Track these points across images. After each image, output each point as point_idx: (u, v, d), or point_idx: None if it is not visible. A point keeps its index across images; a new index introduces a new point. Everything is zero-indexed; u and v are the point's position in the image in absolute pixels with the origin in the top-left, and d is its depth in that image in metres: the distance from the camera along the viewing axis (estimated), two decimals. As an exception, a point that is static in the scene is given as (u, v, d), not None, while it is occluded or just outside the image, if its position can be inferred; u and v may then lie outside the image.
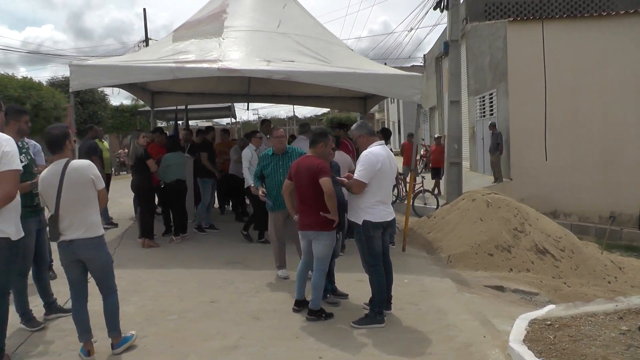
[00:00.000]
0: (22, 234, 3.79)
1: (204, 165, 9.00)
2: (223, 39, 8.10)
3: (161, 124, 21.05)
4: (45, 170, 3.93)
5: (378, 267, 4.77)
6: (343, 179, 4.86)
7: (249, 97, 11.39)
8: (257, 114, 67.76)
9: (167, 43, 8.36)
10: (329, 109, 38.74)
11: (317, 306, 4.85)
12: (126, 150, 24.39)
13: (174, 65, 7.30)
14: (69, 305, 5.02)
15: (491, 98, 16.22)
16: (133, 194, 8.40)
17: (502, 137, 14.18)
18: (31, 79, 21.05)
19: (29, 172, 4.47)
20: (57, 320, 4.81)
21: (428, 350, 4.22)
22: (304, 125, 9.09)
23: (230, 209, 11.18)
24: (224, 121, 33.13)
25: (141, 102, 33.95)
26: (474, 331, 4.66)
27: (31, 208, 4.57)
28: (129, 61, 7.78)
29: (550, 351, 4.14)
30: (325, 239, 4.79)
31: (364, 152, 4.76)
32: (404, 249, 7.82)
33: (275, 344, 4.28)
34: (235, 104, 17.74)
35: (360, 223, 4.71)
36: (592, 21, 14.16)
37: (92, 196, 3.92)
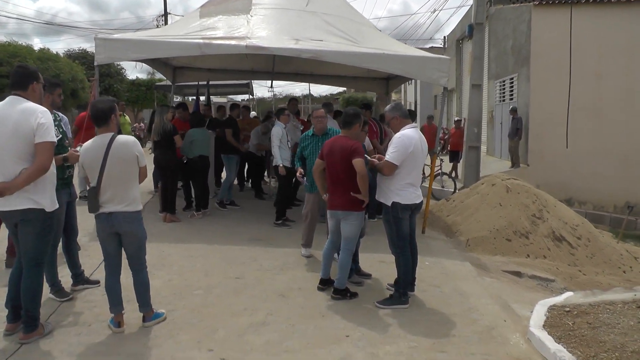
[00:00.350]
0: (57, 206, 3.92)
1: (229, 141, 9.07)
2: (251, 16, 8.11)
3: (176, 98, 21.14)
4: (89, 142, 4.01)
5: (405, 248, 4.87)
6: (374, 160, 4.92)
7: (273, 74, 11.40)
8: (273, 91, 67.69)
9: (195, 19, 8.37)
10: (344, 89, 38.47)
11: (343, 285, 4.95)
12: (142, 125, 24.55)
13: (201, 41, 7.33)
14: (94, 277, 5.22)
15: (512, 82, 16.11)
16: (153, 168, 8.52)
17: (522, 122, 14.13)
18: (49, 50, 21.18)
19: (61, 145, 4.57)
20: (84, 291, 4.96)
21: (452, 332, 4.33)
22: (328, 104, 9.10)
23: (250, 186, 11.32)
24: (239, 97, 33.20)
25: (158, 76, 34.18)
26: (495, 315, 4.76)
27: (63, 180, 4.68)
28: (156, 36, 7.81)
29: (569, 337, 4.24)
30: (355, 219, 4.87)
31: (397, 135, 4.81)
32: (423, 231, 7.91)
33: (303, 322, 4.40)
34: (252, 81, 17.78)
35: (390, 204, 4.79)
36: (619, 7, 13.92)
37: (135, 172, 4.02)
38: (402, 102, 40.45)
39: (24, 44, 20.25)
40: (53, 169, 3.88)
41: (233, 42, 7.38)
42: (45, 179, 3.78)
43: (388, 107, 5.18)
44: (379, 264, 6.00)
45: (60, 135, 4.62)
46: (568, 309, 4.88)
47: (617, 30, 13.71)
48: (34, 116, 3.63)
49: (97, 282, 5.08)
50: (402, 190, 4.78)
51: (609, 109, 13.71)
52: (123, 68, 30.65)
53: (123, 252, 4.19)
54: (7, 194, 3.64)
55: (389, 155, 4.72)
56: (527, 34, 14.39)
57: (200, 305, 4.70)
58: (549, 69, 13.66)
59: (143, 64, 10.41)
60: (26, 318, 3.85)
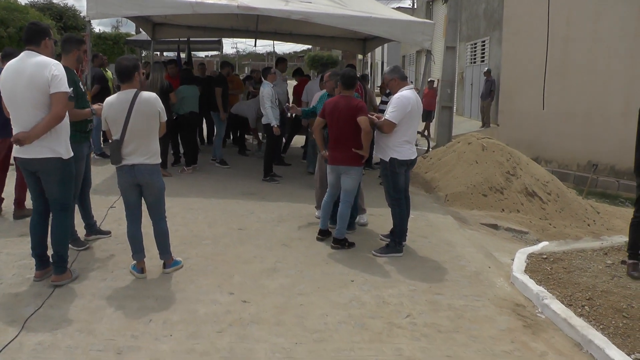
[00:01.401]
0: (72, 154, 4.11)
1: (217, 101, 9.14)
2: (242, -24, 8.12)
3: (143, 53, 20.77)
4: (113, 97, 4.17)
5: (401, 200, 5.22)
6: (374, 118, 5.21)
7: (257, 33, 11.41)
8: (236, 48, 66.64)
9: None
10: (309, 47, 38.39)
11: (342, 235, 5.28)
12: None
13: (194, 0, 7.38)
14: (105, 227, 5.43)
15: (483, 45, 16.49)
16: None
17: (495, 84, 14.58)
18: (16, 1, 20.44)
19: (84, 99, 4.72)
20: (98, 241, 5.16)
21: (445, 277, 4.75)
22: (325, 65, 9.36)
23: (232, 142, 11.52)
24: (202, 54, 32.65)
25: (123, 31, 33.18)
26: (480, 262, 5.21)
27: (85, 134, 4.84)
28: (148, -7, 7.79)
29: (548, 280, 4.73)
30: (355, 173, 5.19)
31: (396, 95, 5.08)
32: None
33: (309, 268, 4.75)
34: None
35: (388, 160, 5.12)
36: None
37: (156, 126, 4.22)
38: (369, 62, 40.53)
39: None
40: (67, 119, 4.05)
41: (224, 1, 7.45)
42: (60, 128, 3.96)
43: (387, 69, 5.44)
44: (369, 217, 6.36)
45: (84, 90, 4.78)
46: (545, 256, 5.37)
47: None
48: (47, 68, 3.79)
49: (108, 233, 5.29)
50: (400, 147, 5.10)
51: (574, 71, 14.26)
52: (88, 20, 29.78)
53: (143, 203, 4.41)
54: (27, 143, 3.83)
55: (389, 114, 5.00)
56: (500, -2, 14.72)
57: (212, 254, 4.99)
58: (521, 33, 14.07)
59: (121, 18, 10.34)
60: (57, 259, 4.10)
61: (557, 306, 4.15)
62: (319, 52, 44.46)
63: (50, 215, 4.15)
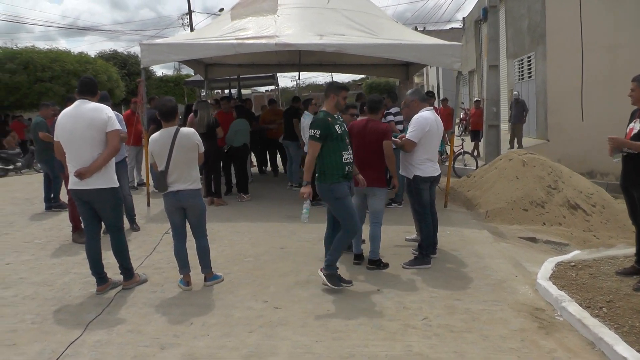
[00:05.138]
0: (118, 184, 4.89)
1: (295, 130, 9.96)
2: (278, 15, 8.86)
3: (202, 92, 22.07)
4: (157, 134, 4.85)
5: (426, 215, 5.58)
6: (397, 140, 5.64)
7: (300, 66, 12.12)
8: (296, 80, 68.75)
9: (226, 21, 9.15)
10: (366, 75, 39.20)
11: (377, 256, 5.56)
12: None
13: (235, 42, 8.12)
14: (159, 249, 6.12)
15: (529, 61, 16.54)
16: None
17: (526, 105, 14.58)
18: (87, 54, 22.39)
19: None
20: (152, 260, 5.89)
21: (467, 285, 5.04)
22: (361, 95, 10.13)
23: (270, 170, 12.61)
24: (263, 89, 34.06)
25: (184, 72, 35.17)
26: (507, 272, 5.44)
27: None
28: (194, 39, 8.65)
29: (572, 285, 4.90)
30: (381, 194, 5.53)
31: (416, 116, 5.52)
32: (445, 205, 8.56)
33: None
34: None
35: (412, 177, 5.54)
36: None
37: (195, 157, 4.89)
38: (425, 85, 40.83)
39: (66, 49, 21.61)
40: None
41: (263, 41, 8.15)
42: (111, 161, 4.77)
43: (409, 91, 5.92)
44: (405, 234, 6.74)
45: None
46: (573, 264, 5.53)
47: (628, 2, 13.95)
48: (103, 112, 4.64)
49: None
50: (422, 165, 5.50)
51: (622, 79, 13.98)
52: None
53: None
54: (87, 176, 4.59)
55: (409, 134, 5.45)
56: (542, 13, 14.81)
57: (251, 269, 5.54)
58: (564, 46, 14.01)
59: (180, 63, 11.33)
60: (123, 270, 4.96)
61: (574, 308, 4.31)
62: (376, 79, 45.09)
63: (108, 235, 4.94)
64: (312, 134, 4.75)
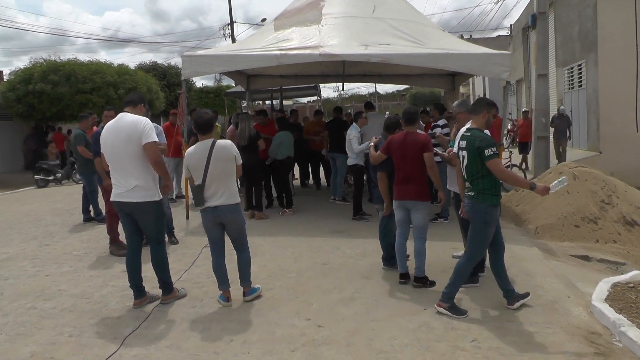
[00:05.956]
0: (161, 196, 5.00)
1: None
2: (322, 25, 8.90)
3: (243, 103, 22.39)
4: (193, 147, 4.87)
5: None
6: (444, 153, 5.56)
7: (344, 77, 12.15)
8: (339, 90, 69.11)
9: (270, 32, 9.27)
10: (411, 86, 39.13)
11: (422, 273, 5.46)
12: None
13: (278, 52, 8.19)
14: (198, 263, 6.25)
15: (580, 69, 16.11)
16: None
17: (570, 120, 14.18)
18: (127, 66, 22.99)
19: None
20: (191, 274, 5.94)
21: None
22: (369, 104, 10.22)
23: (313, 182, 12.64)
24: (304, 100, 34.39)
25: (225, 83, 35.74)
26: (559, 292, 5.26)
27: None
28: (237, 50, 8.76)
29: (631, 309, 4.69)
30: (424, 208, 5.44)
31: (463, 129, 5.36)
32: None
33: (385, 298, 5.12)
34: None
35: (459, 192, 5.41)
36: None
37: (233, 170, 4.85)
38: (471, 95, 40.34)
39: (106, 60, 22.27)
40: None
41: (307, 51, 8.20)
42: (153, 174, 4.84)
43: (456, 102, 5.86)
44: (452, 250, 6.62)
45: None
46: (632, 285, 5.30)
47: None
48: (140, 124, 4.74)
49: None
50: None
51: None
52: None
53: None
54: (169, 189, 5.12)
55: (456, 148, 5.34)
56: (594, 19, 14.42)
57: (294, 285, 5.53)
58: (617, 53, 13.64)
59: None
60: (162, 284, 5.02)
61: (635, 333, 4.11)
62: (420, 90, 44.86)
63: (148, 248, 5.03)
64: (492, 152, 4.52)
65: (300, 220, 8.72)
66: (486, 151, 4.48)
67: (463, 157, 4.74)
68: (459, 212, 5.40)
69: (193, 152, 4.83)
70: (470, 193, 4.70)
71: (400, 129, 5.72)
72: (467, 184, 4.77)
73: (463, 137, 4.77)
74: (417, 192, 5.40)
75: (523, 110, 17.88)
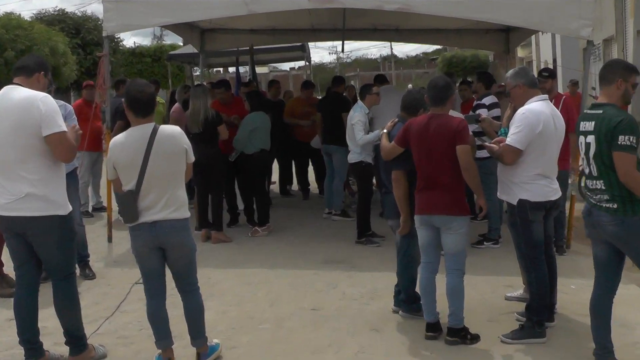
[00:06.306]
0: (70, 208, 4.91)
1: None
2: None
3: (195, 72, 22.26)
4: (122, 135, 4.76)
5: (538, 260, 5.40)
6: (492, 145, 5.51)
7: (345, 32, 12.01)
8: (336, 52, 68.73)
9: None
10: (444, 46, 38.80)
11: (460, 322, 5.34)
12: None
13: None
14: (127, 308, 6.14)
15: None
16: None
17: None
18: (19, 15, 22.83)
19: None
20: (116, 325, 5.85)
21: (608, 371, 4.88)
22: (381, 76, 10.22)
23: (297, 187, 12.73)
24: (285, 66, 34.26)
25: (169, 42, 35.66)
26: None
27: None
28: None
29: None
30: (460, 226, 5.30)
31: (521, 110, 5.37)
32: (568, 245, 8.39)
33: (404, 360, 5.10)
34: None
35: (515, 203, 5.38)
36: None
37: (182, 169, 4.76)
38: (534, 61, 40.41)
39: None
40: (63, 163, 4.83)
41: (291, -8, 8.19)
42: (56, 176, 4.72)
43: (510, 72, 5.71)
44: (505, 289, 6.61)
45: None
46: None
47: None
48: (36, 104, 4.51)
49: None
50: (531, 184, 5.32)
51: None
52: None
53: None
54: None
55: (511, 137, 5.27)
56: None
57: (269, 342, 5.47)
58: None
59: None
60: (69, 339, 4.88)
61: None
62: (458, 52, 44.49)
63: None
64: (629, 142, 4.29)
65: (280, 245, 8.70)
66: (621, 137, 4.27)
67: (588, 145, 4.55)
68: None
69: (122, 142, 4.69)
70: (609, 205, 4.48)
71: (425, 110, 5.69)
72: (590, 184, 4.63)
73: (588, 117, 4.62)
74: (448, 203, 5.29)
75: (570, 80, 17.92)
